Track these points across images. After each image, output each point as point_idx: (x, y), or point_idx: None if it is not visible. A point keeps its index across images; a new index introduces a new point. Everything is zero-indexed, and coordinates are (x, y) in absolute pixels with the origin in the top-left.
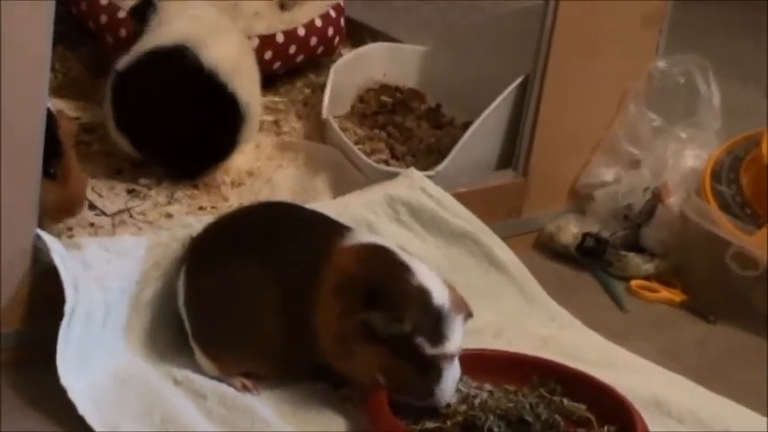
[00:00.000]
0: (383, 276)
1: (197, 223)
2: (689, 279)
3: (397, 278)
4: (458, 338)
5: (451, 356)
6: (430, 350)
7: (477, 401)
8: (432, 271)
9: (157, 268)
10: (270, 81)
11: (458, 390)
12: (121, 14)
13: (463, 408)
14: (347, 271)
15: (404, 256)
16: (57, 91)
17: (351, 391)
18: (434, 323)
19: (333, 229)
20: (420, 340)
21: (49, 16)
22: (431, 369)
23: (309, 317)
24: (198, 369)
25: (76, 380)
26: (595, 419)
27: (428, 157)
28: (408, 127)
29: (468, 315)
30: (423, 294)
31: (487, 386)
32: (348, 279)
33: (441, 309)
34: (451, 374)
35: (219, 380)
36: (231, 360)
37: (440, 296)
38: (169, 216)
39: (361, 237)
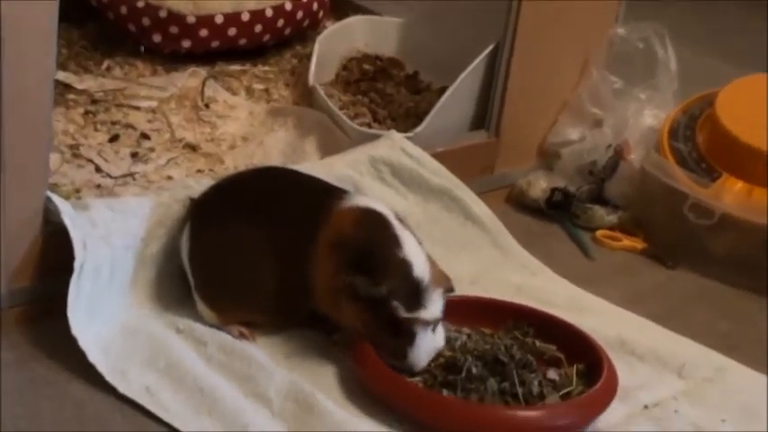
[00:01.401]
0: (373, 243)
1: (196, 184)
2: (649, 228)
3: (384, 247)
4: (435, 308)
5: (426, 323)
6: (404, 314)
7: (457, 344)
8: (419, 245)
9: (160, 226)
10: (260, 52)
11: None
12: None
13: (446, 351)
14: (344, 232)
15: (396, 227)
16: (63, 65)
17: (341, 338)
18: (412, 291)
19: (331, 191)
20: (395, 304)
21: None
22: (405, 332)
23: (305, 270)
24: (199, 319)
25: (86, 331)
26: (565, 358)
27: (407, 120)
28: (389, 93)
29: (449, 289)
30: (404, 265)
31: (466, 330)
32: (343, 239)
33: (419, 279)
34: (426, 340)
35: (219, 328)
36: (230, 309)
37: (420, 268)
38: (170, 178)
39: (359, 200)
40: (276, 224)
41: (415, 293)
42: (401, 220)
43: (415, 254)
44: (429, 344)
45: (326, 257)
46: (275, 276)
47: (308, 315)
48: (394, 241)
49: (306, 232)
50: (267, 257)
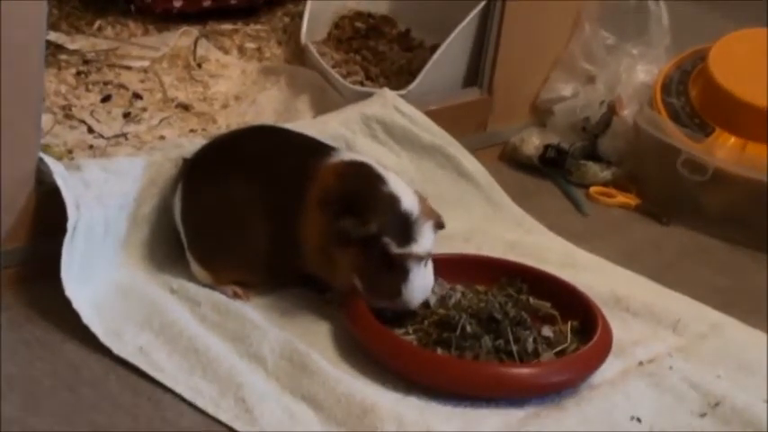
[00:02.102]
0: (357, 186)
1: (188, 144)
2: (643, 185)
3: (369, 187)
4: (426, 242)
5: (418, 257)
6: (396, 249)
7: (451, 302)
8: (405, 183)
9: (153, 186)
10: (252, 11)
11: (433, 292)
12: None
13: (440, 309)
14: (329, 186)
15: (380, 169)
16: (54, 25)
17: (333, 296)
18: (401, 226)
19: (319, 149)
20: (386, 240)
21: None
22: (398, 268)
23: (295, 229)
24: (192, 278)
25: (80, 291)
26: (559, 315)
27: (400, 77)
28: (381, 50)
29: (439, 224)
30: (392, 200)
31: (460, 287)
32: (329, 193)
33: (408, 213)
34: (420, 275)
35: (212, 288)
36: (224, 269)
37: (409, 203)
38: (162, 138)
39: (344, 155)
40: (267, 183)
41: (405, 228)
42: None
43: (401, 189)
44: (422, 280)
45: (314, 215)
46: (266, 236)
47: (299, 274)
48: (378, 180)
49: (295, 191)
50: (258, 217)
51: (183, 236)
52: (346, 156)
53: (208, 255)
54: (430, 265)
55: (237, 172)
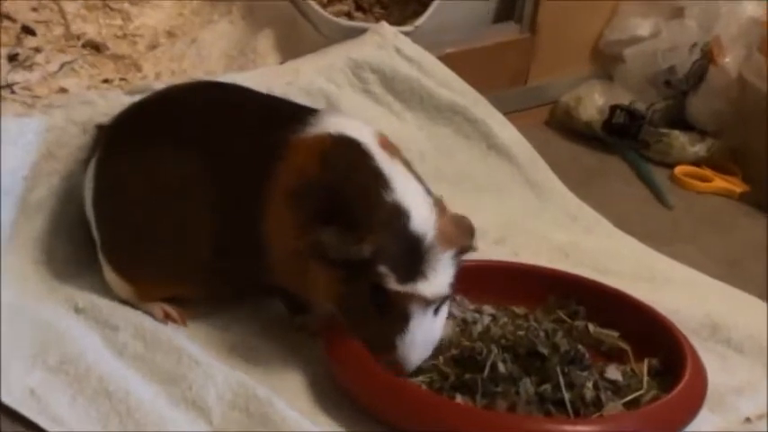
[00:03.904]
0: (348, 183)
1: (101, 100)
2: (751, 163)
3: (365, 188)
4: (440, 280)
5: (426, 302)
6: (395, 286)
7: (476, 329)
8: (419, 184)
9: (51, 159)
10: None
11: (450, 315)
12: None
13: (459, 338)
14: (306, 171)
15: (382, 159)
16: None
17: (308, 320)
18: (406, 252)
19: (291, 114)
20: (383, 270)
21: None
22: (396, 313)
23: (256, 225)
24: (107, 292)
25: None
26: (631, 350)
27: (404, 7)
28: None
29: (464, 249)
30: (397, 213)
31: (489, 309)
32: (306, 182)
33: (419, 235)
34: (424, 327)
35: (135, 306)
36: (153, 281)
37: (421, 218)
38: (64, 90)
39: (327, 124)
40: (216, 162)
41: (412, 255)
42: (393, 151)
43: (411, 196)
44: (427, 333)
45: (283, 208)
46: (215, 234)
47: (261, 288)
48: (379, 178)
49: (256, 174)
50: (203, 207)
51: (94, 231)
52: (332, 125)
53: (130, 259)
54: (443, 313)
55: (174, 146)
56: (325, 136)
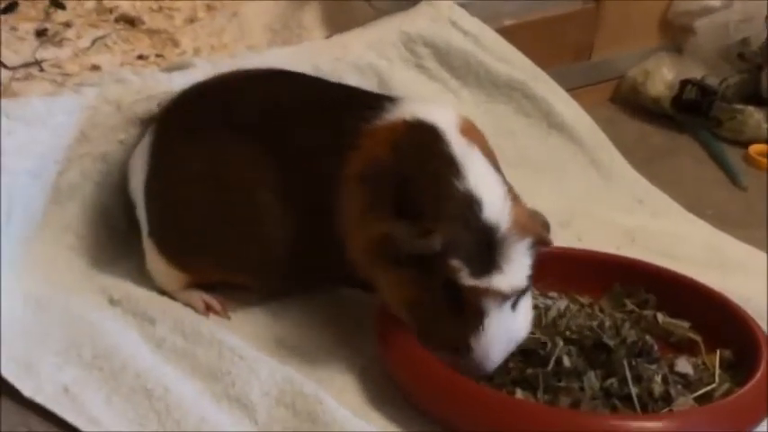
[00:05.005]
0: (418, 171)
1: (136, 77)
2: None
3: (436, 175)
4: (516, 272)
5: (503, 296)
6: (469, 280)
7: (545, 320)
8: (495, 174)
9: (83, 141)
10: None
11: None
12: None
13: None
14: (378, 159)
15: (458, 146)
16: None
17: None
18: (480, 244)
19: (365, 103)
20: (455, 263)
21: None
22: (471, 309)
23: (331, 218)
24: (143, 281)
25: None
26: (703, 342)
27: None
28: None
29: (542, 242)
30: (469, 203)
31: (553, 297)
32: (377, 170)
33: (492, 225)
34: (502, 325)
35: (173, 297)
36: (211, 269)
37: (494, 208)
38: (96, 68)
39: (407, 110)
40: (286, 153)
41: (484, 248)
42: (474, 137)
43: (484, 184)
44: (506, 331)
45: (357, 198)
46: (287, 227)
47: (337, 280)
48: (451, 166)
49: (329, 164)
50: (275, 200)
51: (142, 216)
52: (409, 111)
53: (186, 246)
54: (524, 306)
55: (243, 133)
56: (400, 122)
